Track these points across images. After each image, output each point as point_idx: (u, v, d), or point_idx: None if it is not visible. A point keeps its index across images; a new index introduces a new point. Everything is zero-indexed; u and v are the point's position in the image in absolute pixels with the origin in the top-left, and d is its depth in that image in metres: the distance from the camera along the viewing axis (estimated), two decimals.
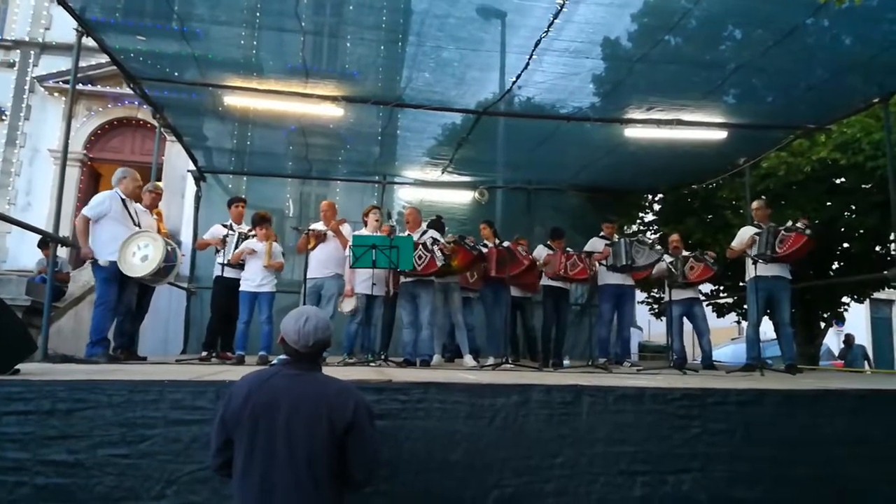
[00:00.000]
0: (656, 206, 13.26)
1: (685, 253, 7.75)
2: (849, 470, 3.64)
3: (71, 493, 3.14)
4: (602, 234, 7.94)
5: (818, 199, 9.95)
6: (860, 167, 8.91)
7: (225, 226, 7.03)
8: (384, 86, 7.51)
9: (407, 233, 6.83)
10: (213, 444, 2.69)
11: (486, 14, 6.15)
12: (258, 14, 6.65)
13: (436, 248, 6.31)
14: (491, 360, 6.75)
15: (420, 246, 6.32)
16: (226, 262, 6.66)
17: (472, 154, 9.24)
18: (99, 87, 13.61)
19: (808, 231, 6.52)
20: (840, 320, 12.33)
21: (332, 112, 7.77)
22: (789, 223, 6.78)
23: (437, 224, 7.47)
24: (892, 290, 11.21)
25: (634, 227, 13.05)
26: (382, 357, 6.27)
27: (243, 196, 8.20)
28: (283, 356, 2.80)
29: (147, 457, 3.22)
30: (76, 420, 3.21)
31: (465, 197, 10.99)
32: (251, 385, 2.62)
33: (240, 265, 6.61)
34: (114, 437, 3.21)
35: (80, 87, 12.99)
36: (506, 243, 7.33)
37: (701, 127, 8.00)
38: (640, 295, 12.07)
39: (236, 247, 6.72)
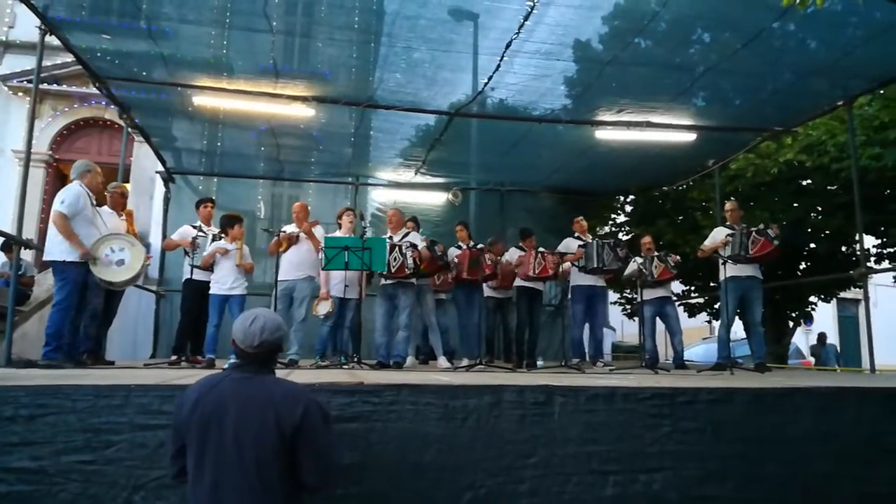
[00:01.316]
0: (628, 208, 13.39)
1: (655, 253, 7.85)
2: (816, 466, 3.69)
3: (34, 501, 3.05)
4: (576, 234, 7.98)
5: (785, 201, 10.12)
6: (825, 169, 9.08)
7: (194, 227, 6.92)
8: (356, 86, 7.48)
9: (389, 234, 6.80)
10: (168, 452, 2.65)
11: (458, 16, 6.16)
12: (228, 13, 6.57)
13: (409, 253, 6.29)
14: (465, 362, 6.75)
15: (396, 248, 6.29)
16: (198, 264, 6.55)
17: (445, 155, 9.25)
18: (65, 86, 13.32)
19: (776, 241, 6.63)
20: (808, 319, 12.56)
21: (303, 112, 7.74)
22: (761, 226, 6.87)
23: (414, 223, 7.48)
24: (857, 289, 11.41)
25: (606, 229, 13.17)
26: (355, 359, 6.23)
27: (213, 197, 8.08)
28: (232, 359, 2.75)
29: (113, 463, 3.14)
30: (39, 426, 3.12)
31: (438, 198, 10.99)
32: (200, 390, 2.58)
33: (210, 268, 6.52)
34: (78, 443, 3.13)
35: (45, 86, 12.73)
36: (479, 246, 7.35)
37: (671, 129, 8.11)
38: (612, 296, 12.18)
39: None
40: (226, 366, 4.22)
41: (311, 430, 2.50)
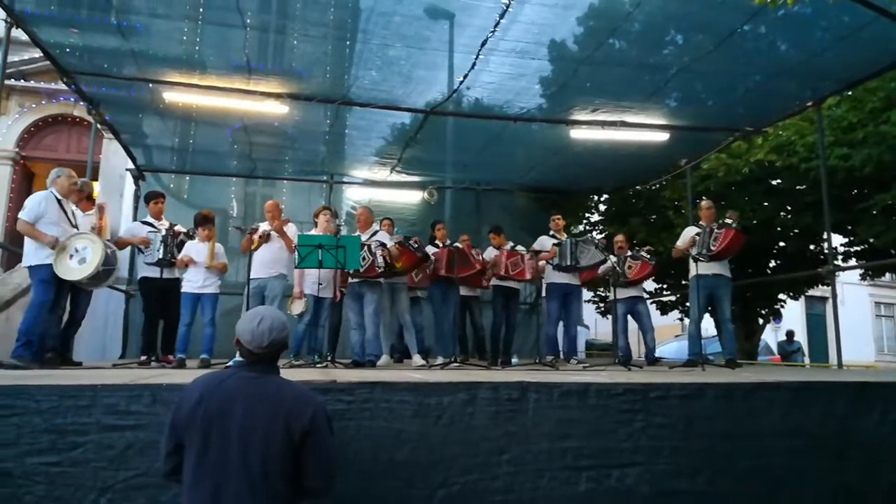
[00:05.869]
0: (602, 207, 13.50)
1: (627, 254, 7.92)
2: (786, 460, 3.74)
3: None
4: (551, 232, 8.00)
5: (756, 200, 10.29)
6: (795, 168, 9.24)
7: (144, 223, 6.81)
8: (330, 83, 7.41)
9: (357, 233, 6.76)
10: (162, 449, 2.57)
11: (434, 13, 6.13)
12: (201, 9, 6.47)
13: (378, 252, 6.26)
14: (440, 360, 6.74)
15: (365, 248, 6.26)
16: (151, 261, 6.41)
17: (421, 154, 9.23)
18: (32, 82, 13.05)
19: (734, 225, 6.71)
20: (777, 317, 12.78)
21: (277, 110, 7.66)
22: (720, 221, 6.94)
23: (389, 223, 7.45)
24: (825, 287, 11.63)
25: (581, 227, 13.26)
26: (329, 358, 6.19)
27: (162, 192, 7.78)
28: (237, 358, 2.70)
29: (79, 464, 3.07)
30: (2, 427, 3.04)
31: (414, 197, 10.98)
32: (205, 387, 2.51)
33: (166, 264, 6.37)
34: (43, 445, 3.06)
35: (11, 82, 12.45)
36: (457, 244, 7.33)
37: (644, 129, 8.18)
38: (586, 294, 12.27)
39: (161, 245, 6.42)
40: (230, 363, 4.14)
41: (319, 434, 2.49)
